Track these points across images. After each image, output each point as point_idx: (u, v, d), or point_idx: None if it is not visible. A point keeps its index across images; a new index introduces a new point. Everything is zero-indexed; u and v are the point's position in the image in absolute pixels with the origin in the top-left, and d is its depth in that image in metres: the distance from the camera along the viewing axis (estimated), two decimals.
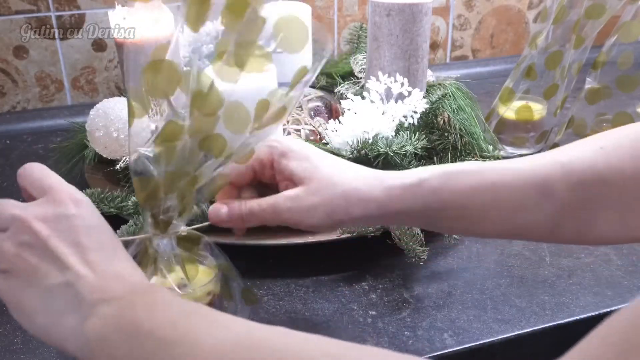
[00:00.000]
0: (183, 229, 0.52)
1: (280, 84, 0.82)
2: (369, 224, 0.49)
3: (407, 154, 0.69)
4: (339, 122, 0.70)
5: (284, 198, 0.48)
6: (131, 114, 0.46)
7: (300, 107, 0.80)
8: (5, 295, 0.41)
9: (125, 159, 0.72)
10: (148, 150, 0.46)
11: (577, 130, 0.84)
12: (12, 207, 0.41)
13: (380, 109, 0.72)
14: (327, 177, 0.48)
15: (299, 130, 0.75)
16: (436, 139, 0.78)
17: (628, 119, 0.80)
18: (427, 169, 0.48)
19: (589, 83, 0.81)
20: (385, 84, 0.74)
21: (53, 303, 0.39)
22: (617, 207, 0.45)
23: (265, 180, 0.52)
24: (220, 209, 0.50)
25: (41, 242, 0.40)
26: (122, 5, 0.82)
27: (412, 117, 0.73)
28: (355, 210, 0.47)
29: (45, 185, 0.42)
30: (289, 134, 0.74)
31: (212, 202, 0.53)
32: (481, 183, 0.46)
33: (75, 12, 1.00)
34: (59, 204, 0.41)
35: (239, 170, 0.50)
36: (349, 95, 0.74)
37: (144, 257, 0.51)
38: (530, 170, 0.46)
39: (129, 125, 0.46)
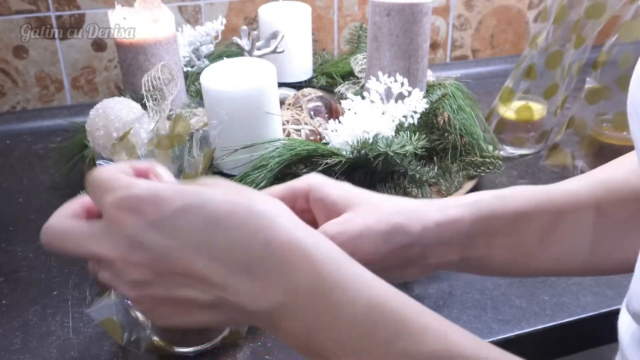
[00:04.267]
0: None
1: (280, 84, 0.82)
2: (422, 259, 0.43)
3: (407, 154, 0.69)
4: (339, 122, 0.70)
5: (332, 224, 0.41)
6: None
7: (300, 107, 0.80)
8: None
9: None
10: None
11: (578, 130, 0.84)
12: (88, 245, 0.35)
13: (380, 109, 0.71)
14: (377, 200, 0.43)
15: (299, 130, 0.75)
16: (436, 139, 0.78)
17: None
18: (478, 193, 0.45)
19: (589, 83, 0.81)
20: (385, 84, 0.74)
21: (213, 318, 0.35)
22: None
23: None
24: None
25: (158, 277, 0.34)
26: (122, 5, 0.82)
27: (412, 117, 0.73)
28: (414, 228, 0.42)
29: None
30: (289, 134, 0.74)
31: None
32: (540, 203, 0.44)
33: (75, 12, 1.00)
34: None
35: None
36: (349, 95, 0.74)
37: None
38: (583, 190, 0.44)
39: None
